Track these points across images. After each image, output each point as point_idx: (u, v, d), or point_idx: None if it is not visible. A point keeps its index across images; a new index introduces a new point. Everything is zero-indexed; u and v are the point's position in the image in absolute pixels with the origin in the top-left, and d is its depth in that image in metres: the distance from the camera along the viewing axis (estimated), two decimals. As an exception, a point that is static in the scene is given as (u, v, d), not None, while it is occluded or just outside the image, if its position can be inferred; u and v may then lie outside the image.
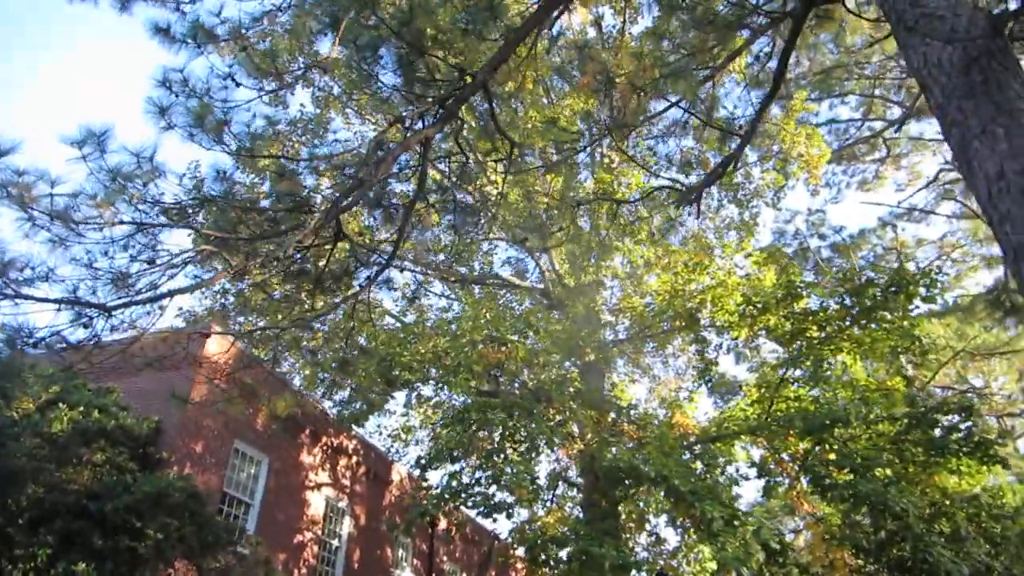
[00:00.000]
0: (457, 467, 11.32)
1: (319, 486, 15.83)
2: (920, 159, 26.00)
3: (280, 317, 9.02)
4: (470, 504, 10.77)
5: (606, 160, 15.86)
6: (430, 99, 6.74)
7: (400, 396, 15.83)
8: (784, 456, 14.87)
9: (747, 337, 15.86)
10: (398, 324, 14.90)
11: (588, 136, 9.53)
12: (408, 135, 6.61)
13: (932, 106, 5.34)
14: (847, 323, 13.63)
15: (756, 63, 10.53)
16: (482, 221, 8.18)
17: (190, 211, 6.07)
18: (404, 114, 6.56)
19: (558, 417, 12.10)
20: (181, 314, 16.83)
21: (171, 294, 5.79)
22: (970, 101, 4.97)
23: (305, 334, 8.31)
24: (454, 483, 10.91)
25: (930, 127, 24.71)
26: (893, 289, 12.67)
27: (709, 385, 15.03)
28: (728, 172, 7.62)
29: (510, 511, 10.71)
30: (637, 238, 15.61)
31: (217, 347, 13.82)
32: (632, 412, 15.10)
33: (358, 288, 7.57)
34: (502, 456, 10.77)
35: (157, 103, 5.77)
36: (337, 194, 6.50)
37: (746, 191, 19.68)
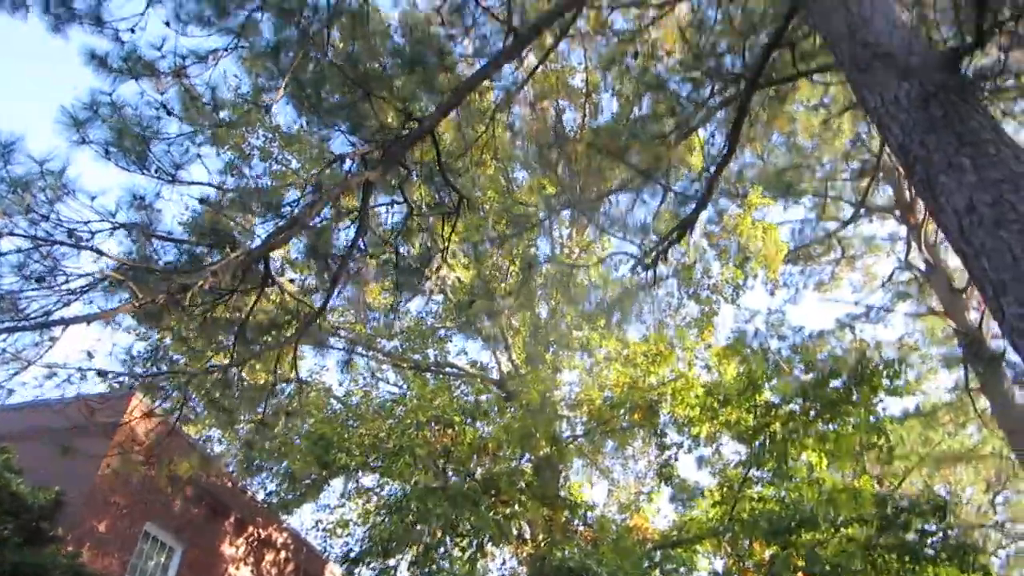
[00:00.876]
0: (391, 562, 10.25)
1: (241, 585, 14.36)
2: (874, 261, 26.52)
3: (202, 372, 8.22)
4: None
5: (566, 241, 15.65)
6: (373, 142, 6.37)
7: (338, 485, 14.71)
8: (749, 564, 13.95)
9: (708, 435, 15.23)
10: (340, 407, 13.99)
11: (546, 209, 9.23)
12: (348, 176, 6.18)
13: (893, 146, 5.07)
14: (811, 417, 13.15)
15: (711, 139, 10.49)
16: (426, 282, 7.60)
17: (98, 235, 5.46)
18: (344, 155, 6.15)
19: (507, 511, 11.17)
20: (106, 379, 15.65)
21: (64, 323, 5.09)
22: (932, 135, 4.70)
23: (224, 391, 7.48)
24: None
25: (882, 227, 25.39)
26: (856, 381, 12.31)
27: (669, 484, 14.24)
28: (684, 238, 7.30)
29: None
30: (595, 324, 15.18)
31: (138, 413, 12.78)
32: (588, 514, 14.19)
33: (289, 342, 6.87)
34: (442, 551, 9.77)
35: (72, 114, 5.27)
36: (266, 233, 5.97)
37: (705, 287, 19.61)
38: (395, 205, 6.88)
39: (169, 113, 6.19)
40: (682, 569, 13.41)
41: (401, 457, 10.96)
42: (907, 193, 22.10)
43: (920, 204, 21.78)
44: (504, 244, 7.88)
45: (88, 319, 5.20)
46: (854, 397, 12.45)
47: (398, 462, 10.93)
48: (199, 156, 5.71)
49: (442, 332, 20.29)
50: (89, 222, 5.28)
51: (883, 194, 25.02)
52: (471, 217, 7.63)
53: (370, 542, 10.44)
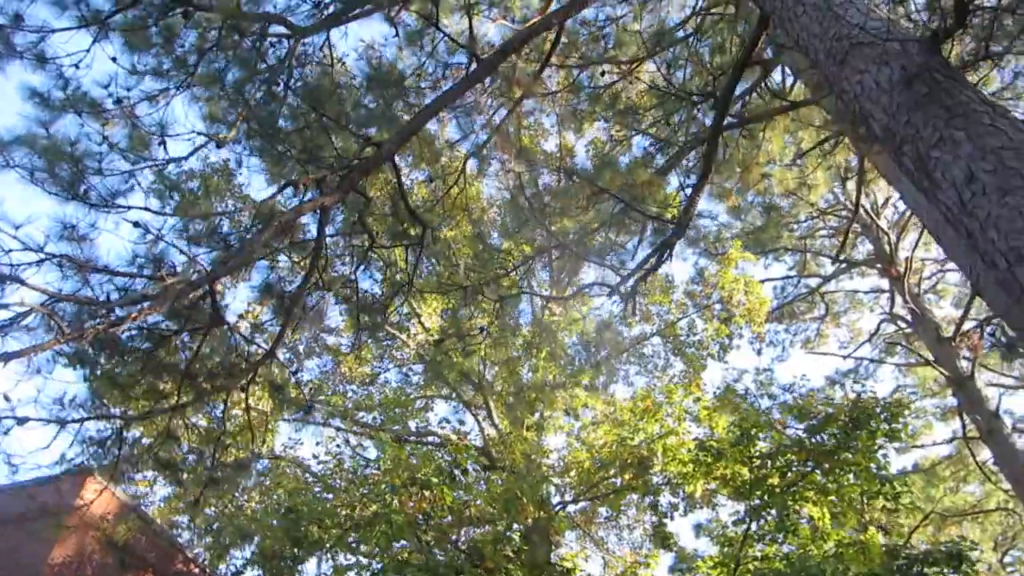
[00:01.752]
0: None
1: None
2: (859, 316, 26.37)
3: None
4: None
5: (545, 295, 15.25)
6: (329, 167, 6.01)
7: (313, 566, 13.69)
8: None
9: (703, 494, 14.50)
10: (311, 478, 13.16)
11: (520, 259, 8.87)
12: (302, 203, 5.78)
13: (878, 131, 4.78)
14: (809, 468, 12.52)
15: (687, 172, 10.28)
16: (385, 318, 7.10)
17: (24, 267, 4.97)
18: (297, 180, 5.77)
19: (492, 579, 10.31)
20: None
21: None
22: (918, 112, 4.38)
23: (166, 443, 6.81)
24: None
25: (864, 283, 25.31)
26: (853, 427, 11.79)
27: (666, 548, 13.42)
28: (661, 264, 6.92)
29: None
30: (578, 380, 14.64)
31: (93, 495, 11.90)
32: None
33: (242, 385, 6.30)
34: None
35: (-6, 134, 4.88)
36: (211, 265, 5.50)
37: (691, 346, 19.19)
38: (354, 237, 6.46)
39: (111, 146, 5.83)
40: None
41: (376, 526, 10.16)
42: (886, 247, 22.09)
43: (901, 256, 21.80)
44: (478, 293, 7.44)
45: (5, 357, 4.65)
46: (852, 444, 11.91)
47: (373, 532, 10.12)
48: (138, 185, 5.31)
49: (421, 403, 19.65)
50: (11, 250, 4.82)
51: (862, 249, 25.12)
52: (439, 254, 7.23)
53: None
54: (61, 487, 12.03)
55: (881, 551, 11.88)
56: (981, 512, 23.08)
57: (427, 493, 10.22)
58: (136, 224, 5.23)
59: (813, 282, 25.97)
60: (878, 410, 11.79)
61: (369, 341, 20.87)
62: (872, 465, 11.99)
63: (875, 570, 11.47)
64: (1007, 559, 26.24)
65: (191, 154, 6.24)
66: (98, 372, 5.86)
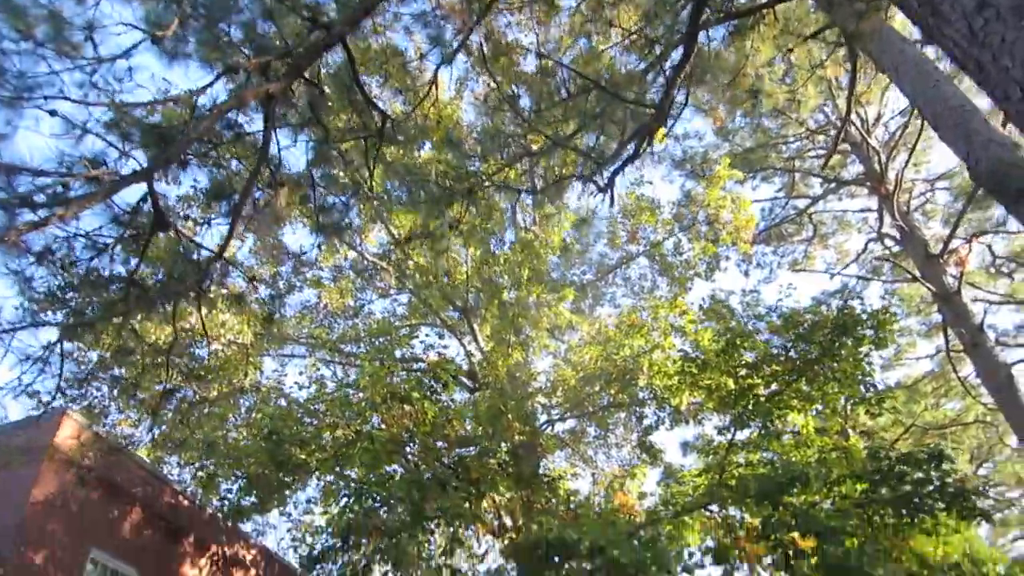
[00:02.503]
0: (358, 556, 9.27)
1: (205, 606, 13.23)
2: (846, 238, 26.13)
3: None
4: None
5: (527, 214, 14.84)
6: (275, 53, 5.51)
7: (302, 493, 13.66)
8: (740, 534, 13.12)
9: (689, 406, 14.46)
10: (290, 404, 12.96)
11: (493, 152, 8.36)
12: (245, 90, 5.31)
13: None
14: (794, 377, 12.43)
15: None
16: (349, 219, 6.68)
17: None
18: (240, 65, 5.29)
19: (479, 490, 10.24)
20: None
21: None
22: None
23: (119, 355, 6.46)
24: (346, 572, 8.83)
25: (852, 203, 24.97)
26: (839, 333, 11.63)
27: (650, 455, 13.44)
28: (641, 151, 6.50)
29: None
30: (562, 295, 14.40)
31: (71, 433, 11.69)
32: (571, 500, 13.31)
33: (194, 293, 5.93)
34: (406, 535, 8.81)
35: None
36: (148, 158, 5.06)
37: (678, 268, 18.90)
38: (306, 131, 6.00)
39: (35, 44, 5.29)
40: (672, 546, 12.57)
41: (358, 443, 10.01)
42: (876, 166, 21.66)
43: (891, 175, 21.39)
44: (451, 204, 6.99)
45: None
46: (838, 352, 11.78)
47: (356, 449, 9.98)
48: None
49: (406, 331, 19.41)
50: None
51: (852, 170, 24.67)
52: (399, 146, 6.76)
53: (331, 537, 9.46)
54: (37, 427, 11.82)
55: (863, 455, 11.91)
56: (960, 425, 23.40)
57: (408, 408, 10.04)
58: (53, 113, 4.75)
59: (802, 203, 25.61)
60: (864, 317, 11.61)
61: (350, 273, 20.57)
62: (857, 373, 11.90)
63: (857, 472, 11.52)
64: (981, 471, 26.80)
65: (126, 53, 5.68)
66: (34, 285, 5.46)
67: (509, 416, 12.86)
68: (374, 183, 6.27)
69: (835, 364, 11.94)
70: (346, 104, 6.12)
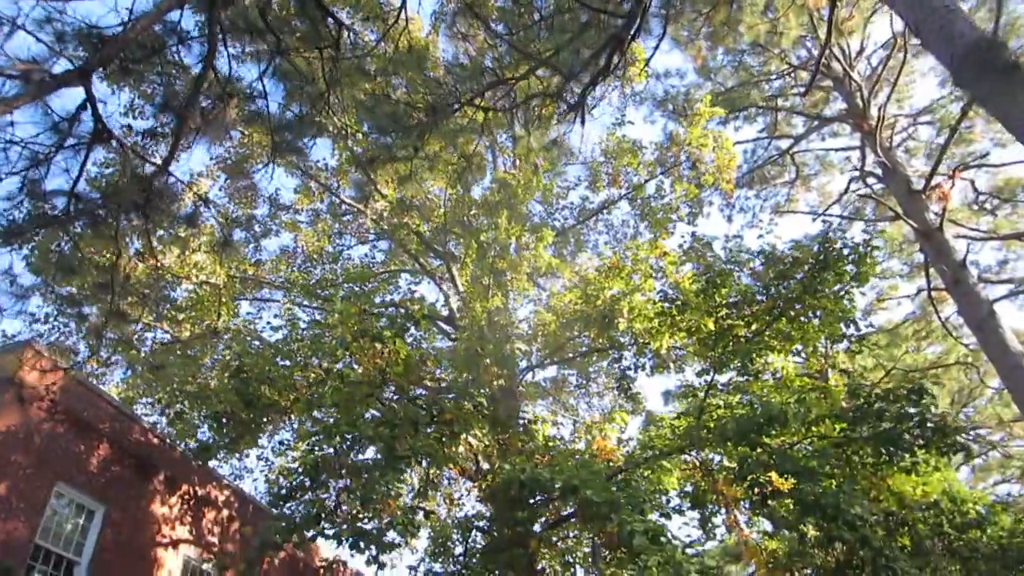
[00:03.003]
0: (326, 495, 9.11)
1: (176, 543, 13.11)
2: (829, 179, 25.90)
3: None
4: (331, 534, 8.53)
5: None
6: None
7: (277, 436, 13.52)
8: (719, 479, 13.14)
9: (669, 349, 14.33)
10: (260, 343, 12.67)
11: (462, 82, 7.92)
12: (183, -12, 4.88)
13: None
14: (774, 317, 12.28)
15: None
16: (307, 138, 6.26)
17: None
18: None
19: (453, 430, 10.07)
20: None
21: None
22: None
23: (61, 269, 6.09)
24: (313, 510, 8.68)
25: (835, 142, 24.65)
26: (820, 267, 11.46)
27: (628, 396, 13.34)
28: (612, 63, 6.12)
29: (383, 543, 8.48)
30: (542, 237, 14.10)
31: (35, 367, 11.40)
32: (550, 445, 13.24)
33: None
34: (376, 475, 8.64)
35: None
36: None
37: (659, 210, 18.58)
38: (256, 40, 5.57)
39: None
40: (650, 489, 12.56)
41: (328, 383, 9.78)
42: (859, 101, 21.29)
43: (873, 111, 21.06)
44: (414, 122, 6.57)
45: None
46: (819, 287, 11.62)
47: (327, 388, 9.75)
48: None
49: (386, 276, 19.07)
50: None
51: (835, 107, 24.29)
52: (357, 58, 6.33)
53: (299, 475, 9.30)
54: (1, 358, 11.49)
55: (843, 394, 11.87)
56: (942, 367, 23.55)
57: (379, 347, 9.79)
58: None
59: (784, 144, 25.28)
60: (846, 252, 11.42)
61: (327, 217, 20.09)
62: (838, 310, 11.76)
63: (836, 411, 11.49)
64: (963, 415, 27.10)
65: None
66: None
67: (487, 360, 12.68)
68: (331, 100, 5.85)
69: (816, 302, 11.80)
70: (300, 11, 5.68)
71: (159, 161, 5.40)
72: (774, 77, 24.06)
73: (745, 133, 25.53)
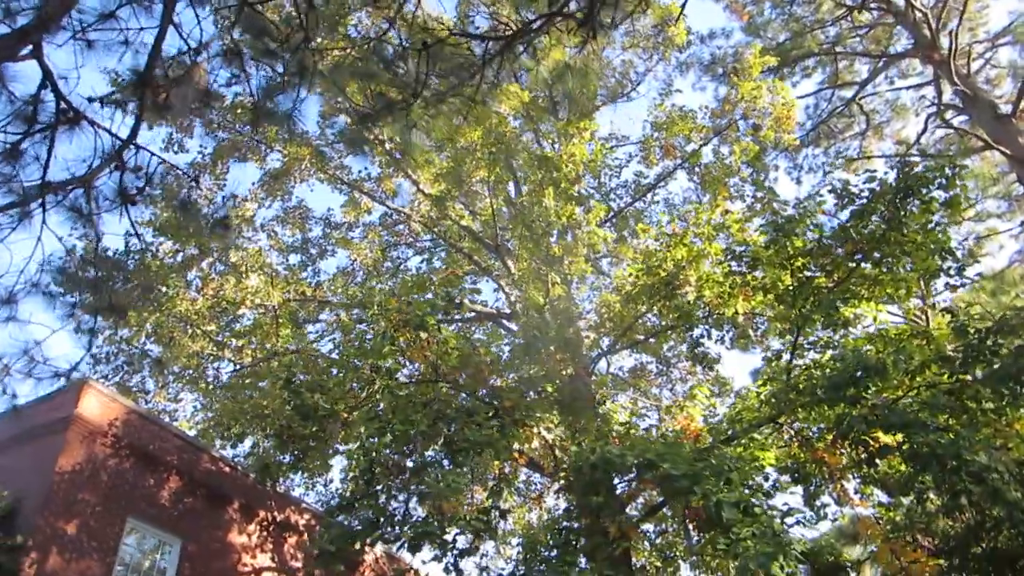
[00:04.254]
0: (384, 496, 8.55)
1: (259, 571, 12.84)
2: (903, 124, 23.99)
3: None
4: (392, 537, 7.95)
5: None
6: None
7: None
8: (820, 447, 11.90)
9: (745, 313, 13.20)
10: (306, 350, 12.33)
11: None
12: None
13: None
14: (857, 259, 11.06)
15: None
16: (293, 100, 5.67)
17: None
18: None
19: (515, 418, 9.36)
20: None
21: None
22: None
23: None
24: (370, 514, 8.13)
25: (906, 82, 22.81)
26: (903, 197, 10.22)
27: (704, 365, 12.34)
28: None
29: (448, 545, 7.85)
30: (593, 212, 13.31)
31: (96, 403, 11.39)
32: (630, 430, 12.37)
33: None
34: (435, 472, 8.02)
35: None
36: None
37: (717, 174, 17.46)
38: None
39: None
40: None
41: (378, 381, 9.27)
42: (927, 32, 19.61)
43: (944, 41, 19.36)
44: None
45: None
46: (904, 221, 10.37)
47: (377, 388, 9.24)
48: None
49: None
50: None
51: (900, 45, 22.55)
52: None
53: (354, 477, 8.80)
54: (61, 398, 11.50)
55: (947, 334, 10.53)
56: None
57: (424, 336, 9.20)
58: None
59: (848, 93, 23.61)
60: (930, 176, 10.14)
61: (378, 228, 19.83)
62: (930, 242, 10.46)
63: (943, 354, 10.17)
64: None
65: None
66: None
67: (550, 347, 11.94)
68: (313, 57, 5.29)
69: (903, 237, 10.55)
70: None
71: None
72: (828, 23, 22.56)
73: (803, 88, 24.01)
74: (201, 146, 14.54)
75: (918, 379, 10.56)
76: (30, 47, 4.39)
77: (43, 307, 5.09)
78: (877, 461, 9.61)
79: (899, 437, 9.57)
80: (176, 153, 15.06)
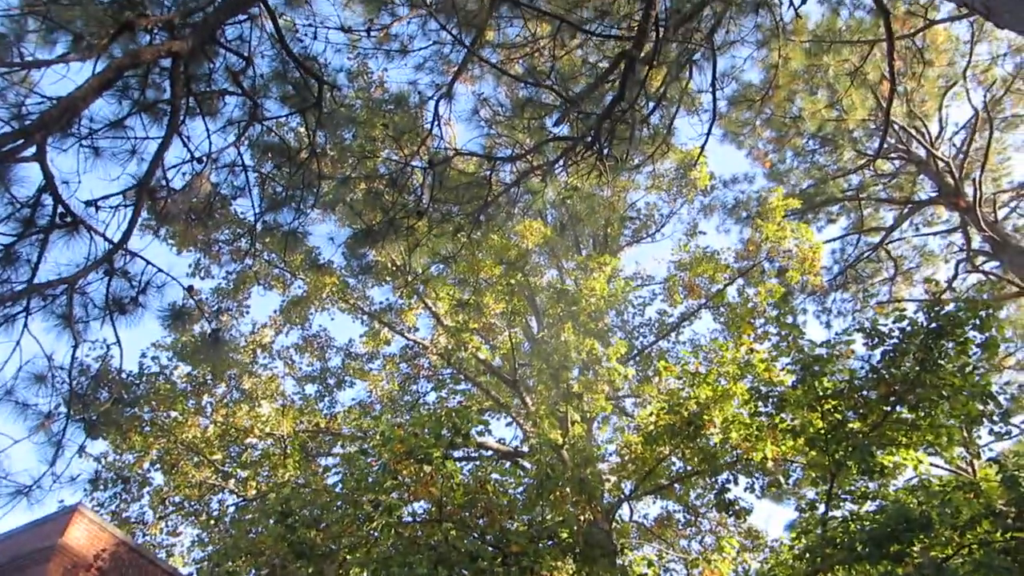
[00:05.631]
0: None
1: None
2: (933, 269, 23.71)
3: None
4: None
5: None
6: (179, 10, 4.79)
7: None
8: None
9: (774, 458, 12.44)
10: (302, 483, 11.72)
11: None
12: (141, 47, 4.56)
13: None
14: (892, 403, 10.45)
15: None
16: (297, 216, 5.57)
17: None
18: (132, 21, 4.56)
19: (523, 564, 8.58)
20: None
21: None
22: None
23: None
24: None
25: (932, 228, 22.75)
26: (936, 338, 9.75)
27: (730, 513, 11.45)
28: (628, 92, 5.35)
29: None
30: (614, 349, 12.96)
31: (84, 532, 10.79)
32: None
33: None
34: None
35: None
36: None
37: (741, 315, 17.18)
38: (229, 97, 5.17)
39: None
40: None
41: (375, 518, 8.65)
42: (950, 180, 19.81)
43: (968, 189, 19.51)
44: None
45: None
46: (939, 363, 9.84)
47: (376, 525, 8.61)
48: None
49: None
50: None
51: (923, 195, 22.75)
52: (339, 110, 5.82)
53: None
54: (50, 526, 10.98)
55: (996, 487, 9.67)
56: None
57: (429, 470, 8.66)
58: None
59: (874, 239, 23.61)
60: (962, 315, 9.72)
61: (396, 360, 19.61)
62: (968, 386, 9.86)
63: (994, 507, 9.27)
64: None
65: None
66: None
67: (565, 488, 11.24)
68: (317, 162, 5.30)
69: (939, 380, 9.98)
70: (278, 70, 5.30)
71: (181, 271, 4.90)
72: (851, 171, 22.94)
73: (828, 233, 24.09)
74: (227, 272, 14.75)
75: (968, 536, 9.60)
76: (33, 149, 4.39)
77: (12, 416, 4.81)
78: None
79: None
80: (202, 279, 15.27)
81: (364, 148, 6.79)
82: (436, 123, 7.66)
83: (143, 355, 14.26)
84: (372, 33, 7.09)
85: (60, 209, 4.75)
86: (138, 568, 11.33)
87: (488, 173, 5.65)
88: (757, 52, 14.73)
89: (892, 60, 11.17)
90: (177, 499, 14.40)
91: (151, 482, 14.22)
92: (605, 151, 5.65)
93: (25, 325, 4.67)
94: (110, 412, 5.90)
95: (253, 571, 11.07)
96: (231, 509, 15.07)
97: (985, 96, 19.37)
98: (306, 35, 5.59)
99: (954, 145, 21.33)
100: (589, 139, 5.51)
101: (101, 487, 13.63)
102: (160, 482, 14.55)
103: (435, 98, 7.51)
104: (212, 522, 14.80)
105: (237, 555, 10.85)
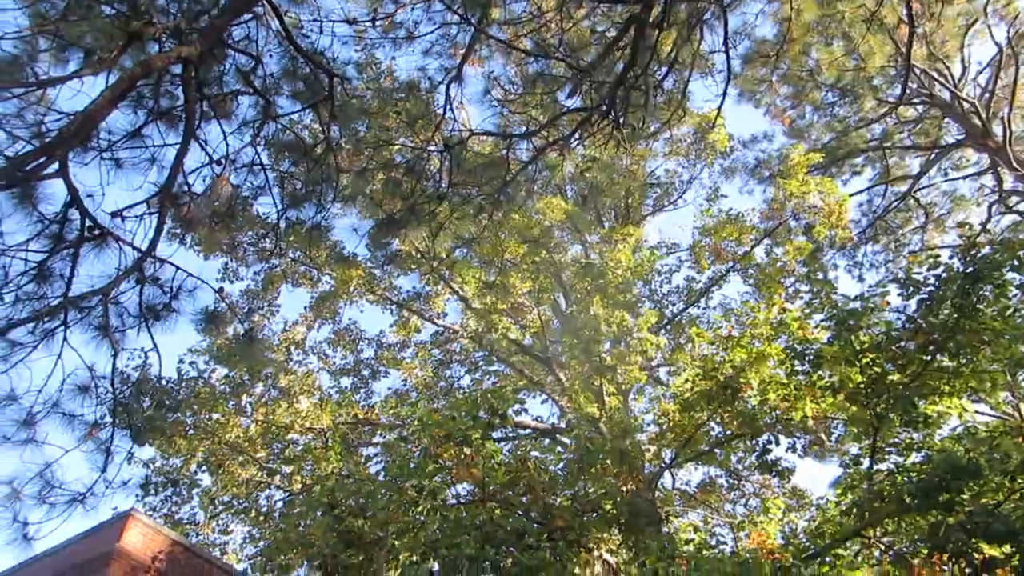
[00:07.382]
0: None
1: None
2: (965, 214, 23.18)
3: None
4: None
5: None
6: (185, 15, 4.82)
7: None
8: (915, 561, 10.65)
9: (815, 416, 12.35)
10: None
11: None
12: (150, 56, 4.59)
13: None
14: (932, 351, 10.27)
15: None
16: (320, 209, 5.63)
17: None
18: (140, 28, 4.59)
19: (569, 539, 8.65)
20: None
21: None
22: None
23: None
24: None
25: (960, 172, 22.23)
26: (973, 282, 9.55)
27: (774, 474, 11.39)
28: (645, 66, 5.28)
29: None
30: (644, 319, 12.90)
31: (140, 536, 11.09)
32: (702, 549, 11.39)
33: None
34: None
35: None
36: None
37: (770, 276, 16.97)
38: (242, 97, 5.21)
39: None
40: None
41: (420, 503, 8.77)
42: (977, 122, 19.30)
43: (996, 129, 18.99)
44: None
45: None
46: (978, 307, 9.65)
47: (421, 509, 8.73)
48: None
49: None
50: None
51: (948, 139, 22.19)
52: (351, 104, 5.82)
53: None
54: (105, 532, 11.29)
55: (1047, 429, 9.51)
56: None
57: (468, 452, 8.75)
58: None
59: (902, 188, 23.14)
60: (998, 257, 9.49)
61: (429, 347, 19.74)
62: (1010, 329, 9.65)
63: (1046, 452, 9.11)
64: None
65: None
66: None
67: (607, 461, 11.28)
68: (336, 161, 5.34)
69: (978, 325, 9.78)
70: (287, 67, 5.32)
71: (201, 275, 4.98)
72: (873, 121, 22.45)
73: (854, 185, 23.58)
74: (255, 273, 14.95)
75: (1019, 480, 9.46)
76: (56, 166, 4.46)
77: (61, 428, 4.95)
78: (984, 576, 8.43)
79: (1007, 548, 8.46)
80: (231, 283, 15.47)
81: (379, 138, 6.84)
82: (448, 106, 7.66)
83: (180, 361, 14.58)
84: (377, 22, 7.10)
85: (87, 222, 4.84)
86: (194, 568, 11.63)
87: (505, 152, 5.62)
88: (768, 6, 14.45)
89: (909, 1, 10.90)
90: (226, 498, 14.72)
91: (199, 483, 14.56)
92: (621, 119, 5.61)
93: (64, 338, 4.79)
94: (154, 418, 6.05)
95: (305, 563, 11.30)
96: (279, 504, 15.37)
97: (1009, 31, 18.76)
98: (312, 30, 5.62)
99: (979, 85, 20.72)
100: (604, 108, 5.47)
101: (152, 491, 14.00)
102: (208, 483, 14.88)
103: (445, 81, 7.52)
104: (262, 518, 15.10)
105: (288, 548, 11.07)
